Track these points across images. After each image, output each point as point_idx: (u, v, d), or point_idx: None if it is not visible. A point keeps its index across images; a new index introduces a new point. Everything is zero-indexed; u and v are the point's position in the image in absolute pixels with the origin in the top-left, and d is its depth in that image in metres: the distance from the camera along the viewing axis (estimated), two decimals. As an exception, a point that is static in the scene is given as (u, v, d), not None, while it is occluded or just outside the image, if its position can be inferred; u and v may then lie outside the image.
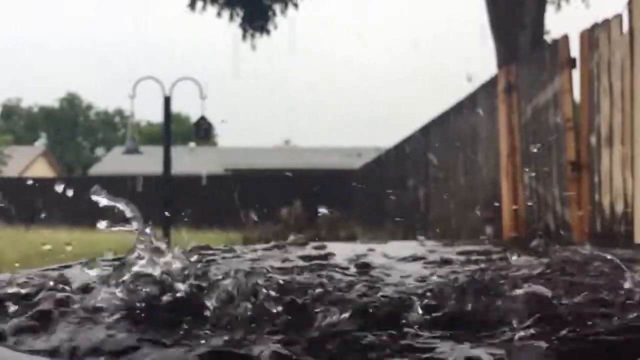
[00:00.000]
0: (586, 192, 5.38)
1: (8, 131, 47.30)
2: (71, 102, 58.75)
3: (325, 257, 1.30)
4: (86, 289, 0.92)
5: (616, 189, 4.91)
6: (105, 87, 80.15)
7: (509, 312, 0.76)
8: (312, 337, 0.72)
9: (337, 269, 1.13)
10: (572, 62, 5.65)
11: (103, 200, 0.96)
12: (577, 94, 5.62)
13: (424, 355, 0.65)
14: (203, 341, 0.70)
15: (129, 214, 0.95)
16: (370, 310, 0.78)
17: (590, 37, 5.30)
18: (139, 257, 0.91)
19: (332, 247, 1.45)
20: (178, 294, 0.84)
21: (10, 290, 0.92)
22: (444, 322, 0.76)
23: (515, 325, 0.73)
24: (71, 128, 56.94)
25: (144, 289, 0.85)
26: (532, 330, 0.70)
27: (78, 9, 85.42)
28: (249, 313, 0.79)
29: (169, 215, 11.93)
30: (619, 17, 4.93)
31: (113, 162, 32.33)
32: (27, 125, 57.17)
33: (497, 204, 7.23)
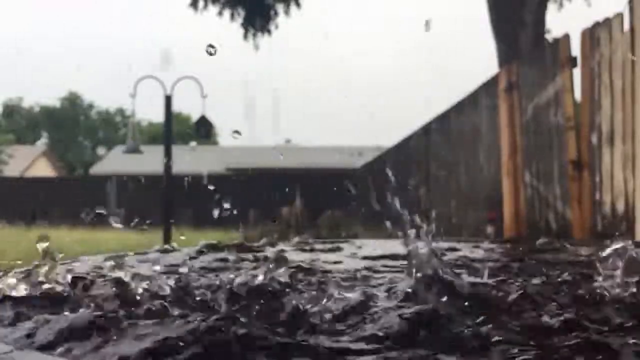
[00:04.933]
0: (587, 191, 5.38)
1: (10, 131, 47.36)
2: (72, 101, 58.73)
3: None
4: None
5: (617, 188, 4.91)
6: (106, 86, 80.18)
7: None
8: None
9: None
10: (573, 61, 5.65)
11: None
12: (578, 93, 5.62)
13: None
14: None
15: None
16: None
17: (591, 36, 5.29)
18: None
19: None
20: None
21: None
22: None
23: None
24: (72, 127, 56.93)
25: None
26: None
27: (79, 9, 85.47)
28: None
29: (169, 214, 11.94)
30: (620, 16, 4.93)
31: (114, 161, 32.32)
32: (28, 125, 57.19)
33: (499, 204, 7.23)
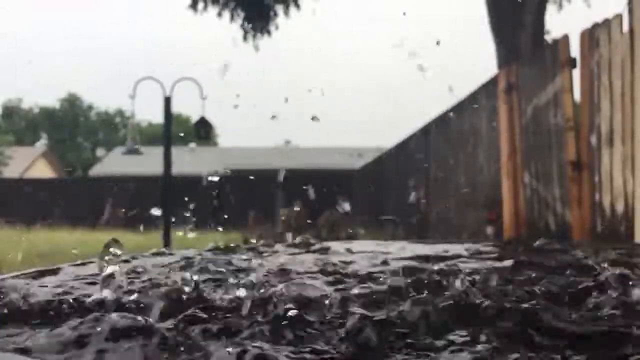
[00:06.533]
0: (586, 192, 5.38)
1: (9, 132, 47.35)
2: (72, 102, 58.73)
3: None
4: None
5: (617, 189, 4.92)
6: (106, 86, 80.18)
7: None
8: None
9: None
10: (572, 62, 5.66)
11: None
12: (577, 94, 5.63)
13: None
14: None
15: None
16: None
17: (590, 36, 5.30)
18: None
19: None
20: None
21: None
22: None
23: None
24: (72, 128, 56.94)
25: None
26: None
27: (79, 9, 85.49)
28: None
29: (168, 216, 11.94)
30: (619, 16, 4.93)
31: (114, 162, 32.33)
32: (27, 126, 57.18)
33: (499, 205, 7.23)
